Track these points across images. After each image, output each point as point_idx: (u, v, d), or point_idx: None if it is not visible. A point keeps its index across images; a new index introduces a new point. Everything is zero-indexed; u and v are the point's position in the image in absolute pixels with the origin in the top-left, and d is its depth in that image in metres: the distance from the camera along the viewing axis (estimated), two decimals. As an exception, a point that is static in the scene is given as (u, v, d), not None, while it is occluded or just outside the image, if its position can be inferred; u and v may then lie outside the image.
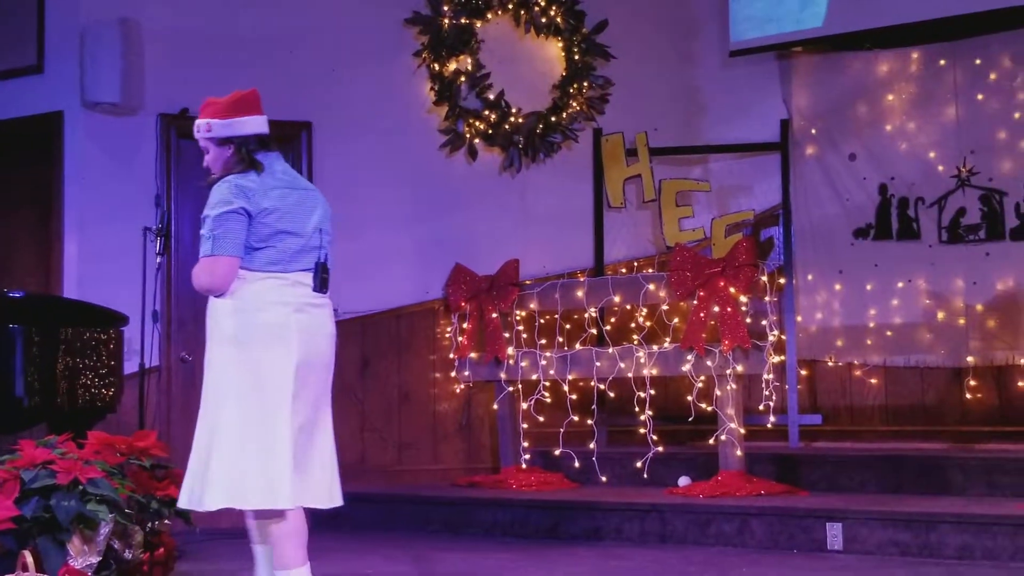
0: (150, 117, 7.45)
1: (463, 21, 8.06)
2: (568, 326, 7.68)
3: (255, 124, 4.32)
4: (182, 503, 4.22)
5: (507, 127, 8.17)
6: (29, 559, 4.28)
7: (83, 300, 6.64)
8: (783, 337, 7.61)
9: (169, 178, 7.47)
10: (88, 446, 5.11)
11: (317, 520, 7.55)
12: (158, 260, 6.69)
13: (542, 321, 7.73)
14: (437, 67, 8.04)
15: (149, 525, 5.25)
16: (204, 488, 4.11)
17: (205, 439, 4.16)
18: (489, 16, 8.18)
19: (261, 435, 4.11)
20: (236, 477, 4.09)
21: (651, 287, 7.27)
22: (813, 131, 8.33)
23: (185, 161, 7.55)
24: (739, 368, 6.88)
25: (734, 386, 6.91)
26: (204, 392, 4.23)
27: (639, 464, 7.17)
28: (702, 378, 7.04)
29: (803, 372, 8.01)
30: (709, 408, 7.02)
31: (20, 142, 7.65)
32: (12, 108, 7.62)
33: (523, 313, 7.74)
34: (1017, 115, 7.82)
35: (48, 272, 7.44)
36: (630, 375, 7.20)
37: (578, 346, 7.47)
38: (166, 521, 5.32)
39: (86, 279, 7.18)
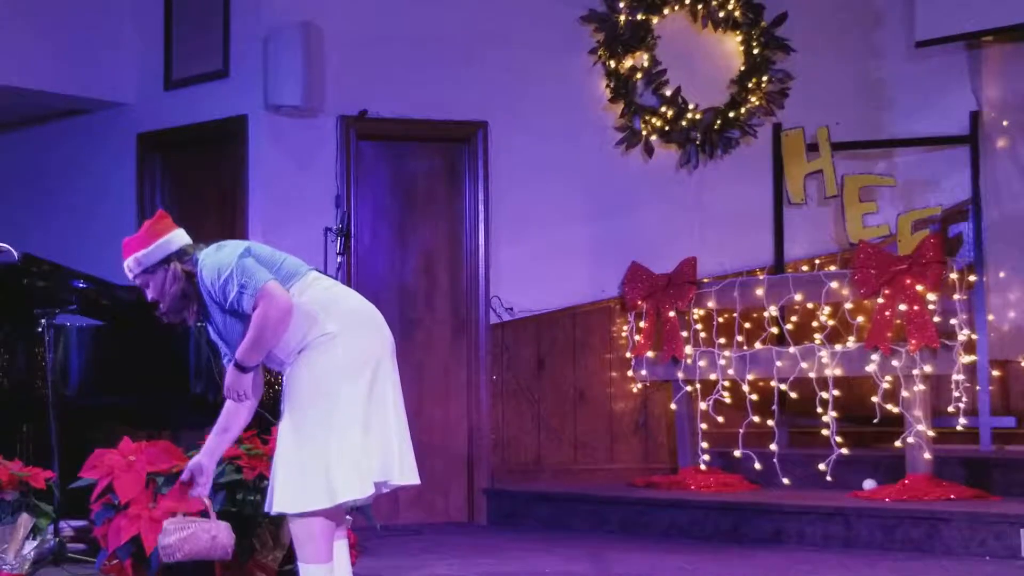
0: (330, 119, 7.58)
1: (639, 17, 8.00)
2: (747, 325, 7.55)
3: (175, 239, 4.27)
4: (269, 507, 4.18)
5: (684, 123, 8.08)
6: (206, 500, 4.35)
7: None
8: (973, 336, 7.34)
9: (349, 179, 7.59)
10: (272, 442, 5.20)
11: (492, 518, 7.63)
12: (339, 260, 6.80)
13: (720, 320, 7.61)
14: (613, 64, 7.99)
15: (331, 520, 5.31)
16: (338, 479, 4.05)
17: (320, 436, 4.08)
18: (665, 12, 8.10)
19: (374, 417, 4.10)
20: (313, 480, 4.06)
21: (834, 285, 7.10)
22: (1005, 123, 8.03)
23: (364, 162, 7.68)
24: (927, 368, 6.67)
25: (922, 387, 6.70)
26: (298, 398, 4.15)
27: (822, 466, 7.00)
28: (888, 378, 6.84)
29: (995, 373, 7.71)
30: (895, 409, 6.82)
31: (207, 145, 7.87)
32: (200, 112, 7.84)
33: (701, 312, 7.64)
34: None
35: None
36: (812, 375, 7.05)
37: (758, 345, 7.34)
38: (348, 517, 5.39)
39: (270, 279, 7.33)
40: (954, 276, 6.93)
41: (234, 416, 4.29)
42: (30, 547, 5.15)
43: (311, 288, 4.17)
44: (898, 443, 6.81)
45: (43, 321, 5.73)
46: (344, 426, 4.05)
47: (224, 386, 4.20)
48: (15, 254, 5.89)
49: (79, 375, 6.01)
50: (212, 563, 4.87)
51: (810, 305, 7.36)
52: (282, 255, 4.24)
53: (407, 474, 4.15)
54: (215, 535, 4.29)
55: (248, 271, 4.07)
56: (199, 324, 4.39)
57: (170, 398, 6.22)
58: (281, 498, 4.06)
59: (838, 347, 7.02)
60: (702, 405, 7.45)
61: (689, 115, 8.07)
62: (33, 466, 5.43)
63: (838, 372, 6.98)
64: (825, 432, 6.99)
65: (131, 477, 4.91)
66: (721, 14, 8.17)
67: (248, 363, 4.11)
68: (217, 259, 4.15)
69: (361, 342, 4.15)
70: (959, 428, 7.07)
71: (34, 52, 7.91)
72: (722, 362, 7.35)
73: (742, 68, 8.22)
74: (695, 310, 7.63)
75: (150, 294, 4.25)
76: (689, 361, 7.47)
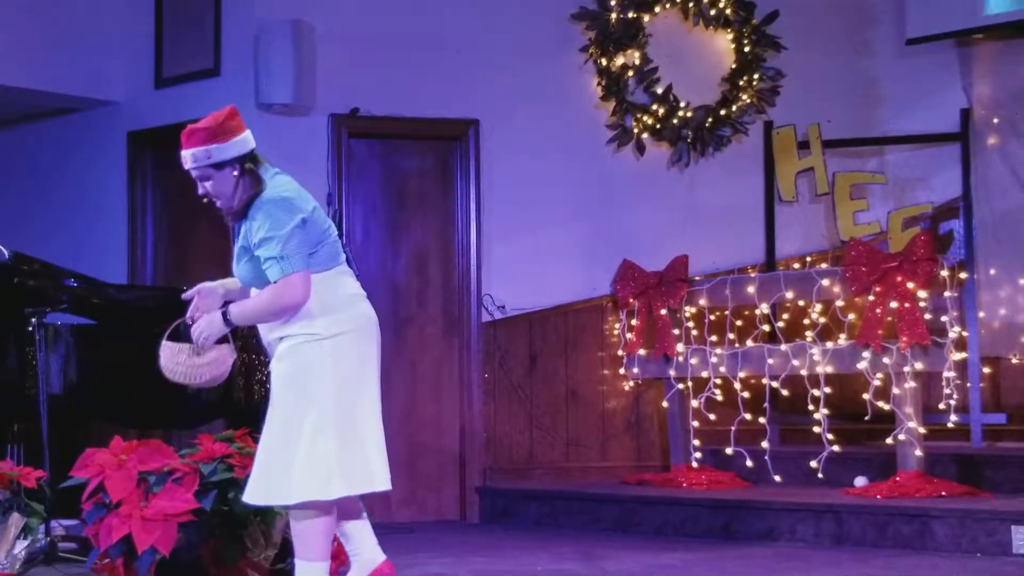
0: (321, 117, 7.58)
1: (630, 15, 7.99)
2: (739, 323, 7.55)
3: (249, 139, 4.26)
4: (253, 498, 4.21)
5: (675, 121, 8.08)
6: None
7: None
8: (964, 334, 7.35)
9: (340, 177, 7.59)
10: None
11: (485, 516, 7.63)
12: (330, 258, 6.78)
13: (712, 318, 7.62)
14: (604, 62, 7.99)
15: (323, 519, 5.31)
16: (328, 477, 4.10)
17: (296, 434, 4.13)
18: (657, 9, 8.09)
19: (360, 423, 4.18)
20: (325, 468, 4.11)
21: (825, 282, 7.10)
22: (995, 120, 8.03)
23: (356, 160, 7.67)
24: (918, 365, 6.68)
25: (913, 384, 6.71)
26: (282, 394, 4.19)
27: (813, 463, 7.01)
28: (879, 376, 6.85)
29: (986, 370, 7.73)
30: (886, 407, 6.83)
31: (198, 144, 7.84)
32: (191, 110, 7.79)
33: (693, 309, 7.64)
34: None
35: (225, 271, 7.58)
36: (803, 372, 7.05)
37: (749, 343, 7.35)
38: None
39: (261, 277, 7.32)
40: (945, 273, 6.93)
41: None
42: (21, 547, 5.14)
43: (329, 284, 4.20)
44: (889, 440, 6.82)
45: (33, 320, 5.71)
46: (354, 421, 4.14)
47: (192, 315, 4.26)
48: (5, 253, 5.88)
49: (70, 374, 5.99)
50: (204, 562, 4.87)
51: (801, 303, 7.37)
52: (328, 236, 4.26)
53: (387, 481, 4.24)
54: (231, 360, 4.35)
55: (291, 248, 4.09)
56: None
57: (162, 398, 6.20)
58: (280, 489, 4.10)
59: (829, 344, 7.03)
60: (694, 403, 7.46)
61: (680, 113, 8.07)
62: (24, 465, 5.43)
63: (829, 369, 6.99)
64: (817, 429, 7.01)
65: (122, 476, 4.90)
66: (712, 12, 8.17)
67: (236, 322, 4.19)
68: (276, 213, 4.11)
69: (355, 347, 4.20)
70: (950, 425, 7.08)
71: (24, 50, 7.89)
72: (714, 360, 7.35)
73: (733, 66, 8.22)
74: (687, 308, 7.63)
75: (207, 189, 4.21)
76: (681, 359, 7.48)
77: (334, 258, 4.25)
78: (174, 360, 4.31)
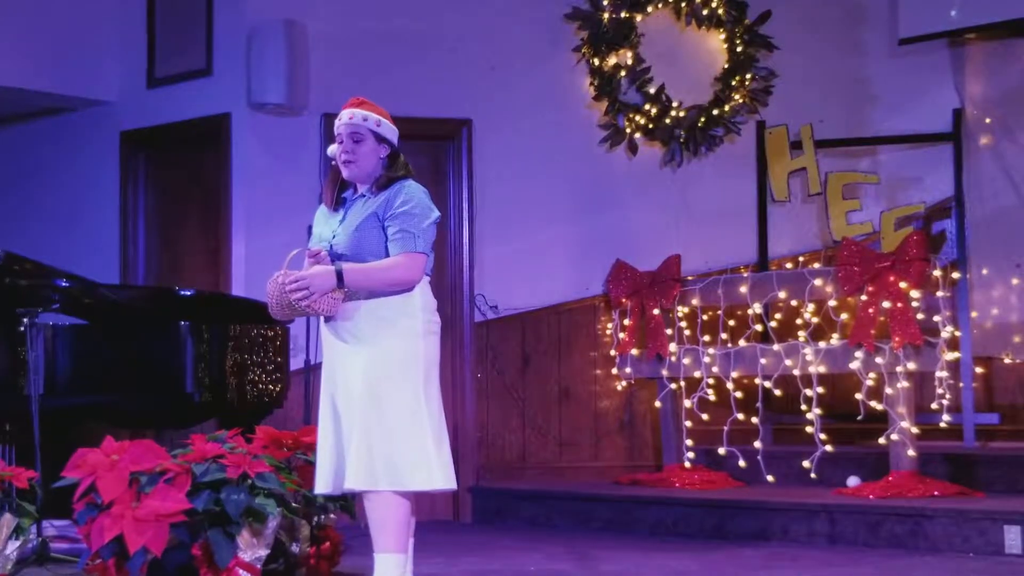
0: (314, 117, 7.57)
1: (623, 15, 7.99)
2: (732, 322, 7.55)
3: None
4: (359, 482, 4.27)
5: (668, 121, 8.08)
6: None
7: (251, 298, 6.76)
8: (957, 333, 7.35)
9: (333, 177, 7.56)
10: (256, 441, 5.20)
11: (478, 516, 7.62)
12: (323, 258, 6.77)
13: (705, 317, 7.61)
14: (597, 62, 7.99)
15: (315, 519, 5.32)
16: (409, 470, 4.26)
17: (404, 421, 4.26)
18: (649, 9, 8.09)
19: (439, 421, 4.35)
20: (428, 460, 4.27)
21: (817, 282, 7.10)
22: (988, 120, 8.04)
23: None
24: (911, 365, 6.68)
25: (905, 384, 6.71)
26: (381, 380, 4.28)
27: (806, 463, 7.01)
28: (872, 376, 6.85)
29: (979, 369, 7.73)
30: (879, 406, 6.83)
31: (191, 143, 7.85)
32: (184, 110, 7.82)
33: (685, 309, 7.64)
34: None
35: (217, 271, 7.62)
36: (796, 372, 7.06)
37: (742, 343, 7.34)
38: (332, 515, 5.39)
39: (253, 277, 7.32)
40: (937, 273, 6.92)
41: None
42: (13, 547, 5.12)
43: (428, 287, 4.43)
44: (882, 440, 6.81)
45: (25, 320, 5.70)
46: (438, 418, 4.34)
47: (299, 278, 4.26)
48: (-3, 253, 5.86)
49: (62, 374, 5.98)
50: (196, 563, 4.86)
51: (794, 302, 7.37)
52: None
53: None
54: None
55: (427, 232, 4.35)
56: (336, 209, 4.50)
57: (155, 398, 6.19)
58: (388, 474, 4.23)
59: (822, 344, 7.03)
60: (687, 403, 7.46)
61: (673, 113, 8.07)
62: (16, 466, 5.41)
63: (822, 369, 6.99)
64: (809, 429, 7.00)
65: (114, 476, 4.89)
66: (705, 12, 8.17)
67: (349, 282, 4.26)
68: (424, 200, 4.40)
69: (439, 350, 4.45)
70: (943, 425, 7.07)
71: (16, 50, 7.87)
72: (706, 359, 7.35)
73: (726, 66, 8.22)
74: (679, 307, 7.62)
75: (352, 148, 4.41)
76: (674, 359, 7.48)
77: (430, 269, 4.47)
78: (275, 281, 4.31)
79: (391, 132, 4.47)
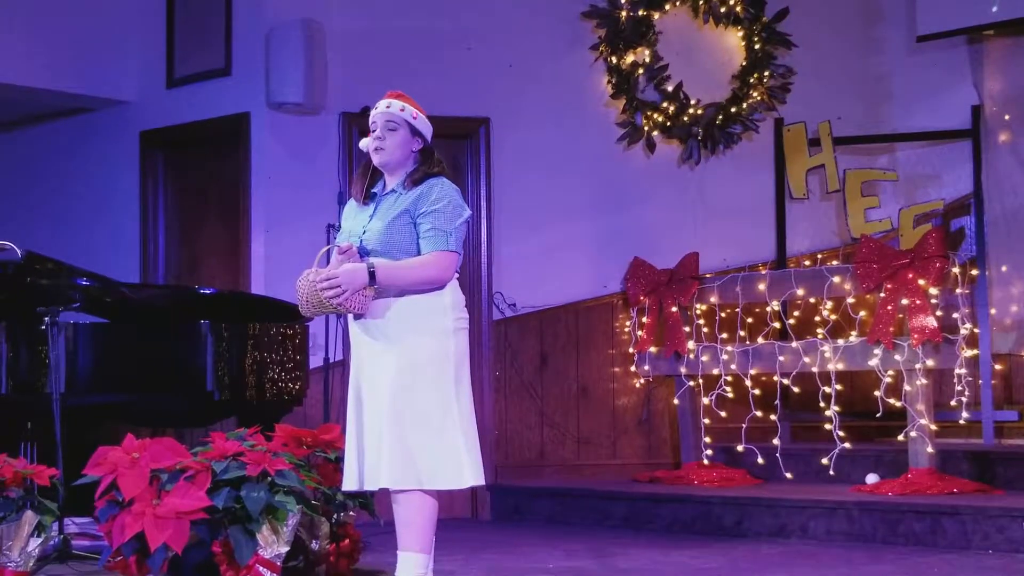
0: (332, 116, 7.59)
1: (640, 13, 8.00)
2: (750, 320, 7.55)
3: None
4: (390, 481, 4.27)
5: (686, 119, 8.08)
6: None
7: (270, 296, 6.79)
8: (976, 331, 7.33)
9: (351, 175, 7.58)
10: (276, 438, 5.22)
11: (496, 514, 7.64)
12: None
13: (723, 315, 7.62)
14: (614, 60, 7.99)
15: (335, 517, 5.33)
16: (440, 469, 4.28)
17: (437, 420, 4.27)
18: (667, 7, 8.10)
19: (469, 419, 4.36)
20: (459, 459, 4.29)
21: (836, 280, 7.10)
22: (1006, 117, 8.02)
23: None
24: (929, 362, 6.67)
25: (924, 381, 6.70)
26: (415, 378, 4.28)
27: (825, 461, 7.01)
28: (890, 373, 6.85)
29: (998, 367, 7.72)
30: (898, 404, 6.82)
31: (210, 143, 7.88)
32: (202, 110, 7.85)
33: (703, 307, 7.64)
34: None
35: (236, 269, 7.64)
36: (814, 370, 7.05)
37: (760, 340, 7.34)
38: (351, 513, 5.40)
39: (272, 276, 7.35)
40: (956, 270, 6.91)
41: None
42: (34, 544, 5.16)
43: (457, 285, 4.42)
44: (901, 437, 6.81)
45: (47, 319, 5.74)
46: (469, 416, 4.34)
47: (330, 276, 4.24)
48: (18, 252, 5.89)
49: (82, 373, 6.01)
50: (216, 560, 4.89)
51: (812, 300, 7.36)
52: None
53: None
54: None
55: (460, 231, 4.33)
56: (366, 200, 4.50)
57: (175, 396, 6.23)
58: (421, 473, 4.25)
59: (840, 342, 7.02)
60: (705, 400, 7.46)
61: (691, 110, 8.07)
62: (37, 463, 5.45)
63: (840, 367, 6.98)
64: (828, 427, 7.00)
65: (135, 474, 4.91)
66: (722, 9, 8.17)
67: (381, 279, 4.24)
68: (457, 199, 4.37)
69: (467, 347, 4.43)
70: (962, 422, 7.07)
71: (36, 50, 7.91)
72: (724, 357, 7.35)
73: (743, 63, 8.22)
74: (697, 305, 7.63)
75: (384, 137, 4.42)
76: (692, 356, 7.48)
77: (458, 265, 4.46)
78: (306, 279, 4.30)
79: (426, 127, 4.48)
